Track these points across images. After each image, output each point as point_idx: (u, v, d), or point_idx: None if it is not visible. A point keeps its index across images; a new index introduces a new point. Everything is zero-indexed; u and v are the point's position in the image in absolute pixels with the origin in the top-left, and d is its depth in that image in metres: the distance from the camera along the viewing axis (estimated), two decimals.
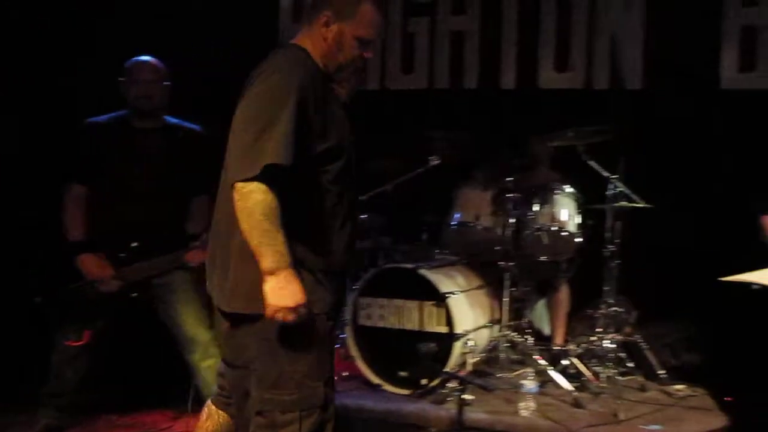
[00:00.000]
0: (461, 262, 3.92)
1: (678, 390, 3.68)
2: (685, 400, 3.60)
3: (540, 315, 4.30)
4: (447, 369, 3.46)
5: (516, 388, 3.50)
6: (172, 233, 3.11)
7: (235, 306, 1.99)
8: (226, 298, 2.01)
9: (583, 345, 3.83)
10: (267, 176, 1.82)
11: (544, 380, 3.65)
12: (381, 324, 3.64)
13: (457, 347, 3.48)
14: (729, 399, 3.53)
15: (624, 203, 3.71)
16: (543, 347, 3.94)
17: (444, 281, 3.59)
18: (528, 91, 4.43)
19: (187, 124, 3.22)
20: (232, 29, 4.73)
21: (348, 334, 3.68)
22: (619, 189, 3.71)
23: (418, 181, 3.85)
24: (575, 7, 4.40)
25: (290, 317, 1.87)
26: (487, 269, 3.90)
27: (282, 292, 1.85)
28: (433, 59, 4.66)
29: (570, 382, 3.63)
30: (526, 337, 3.87)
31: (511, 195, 3.77)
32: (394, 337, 3.60)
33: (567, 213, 3.79)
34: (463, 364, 3.59)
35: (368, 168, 4.07)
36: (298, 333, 1.92)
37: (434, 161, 3.81)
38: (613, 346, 3.73)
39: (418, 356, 3.52)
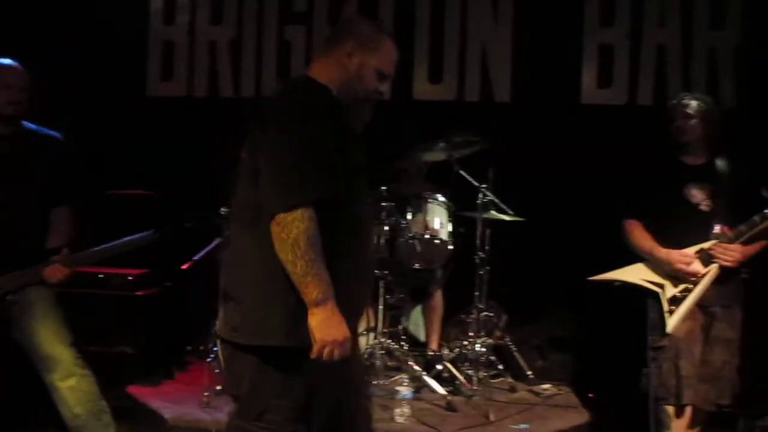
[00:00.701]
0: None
1: (545, 389, 3.85)
2: (552, 398, 3.78)
3: (416, 321, 4.37)
4: None
5: (391, 394, 3.54)
6: (29, 246, 2.91)
7: (241, 337, 1.92)
8: (230, 328, 1.94)
9: (456, 350, 3.94)
10: (308, 206, 1.81)
11: (419, 386, 3.71)
12: None
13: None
14: (592, 395, 3.74)
15: (493, 212, 3.85)
16: (418, 353, 4.00)
17: None
18: (402, 101, 4.51)
19: (46, 131, 3.02)
20: (101, 31, 4.55)
21: (221, 346, 3.58)
22: (488, 198, 3.84)
23: None
24: (447, 19, 4.53)
25: (337, 352, 1.82)
26: None
27: (331, 325, 1.81)
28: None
29: (444, 386, 3.71)
30: (401, 343, 3.92)
31: (385, 204, 3.82)
32: None
33: (439, 221, 3.88)
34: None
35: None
36: (315, 367, 1.85)
37: None
38: (484, 349, 3.86)
39: None
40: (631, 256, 2.96)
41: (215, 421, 3.30)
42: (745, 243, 2.76)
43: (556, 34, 4.37)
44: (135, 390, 3.66)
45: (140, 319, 3.80)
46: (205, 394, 3.47)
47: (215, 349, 3.63)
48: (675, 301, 2.81)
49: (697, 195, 2.84)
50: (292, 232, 1.79)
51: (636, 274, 2.90)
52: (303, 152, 1.84)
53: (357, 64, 2.01)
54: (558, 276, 3.85)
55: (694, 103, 2.88)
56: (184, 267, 3.73)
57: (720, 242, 2.77)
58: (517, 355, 4.03)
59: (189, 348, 4.15)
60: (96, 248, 2.92)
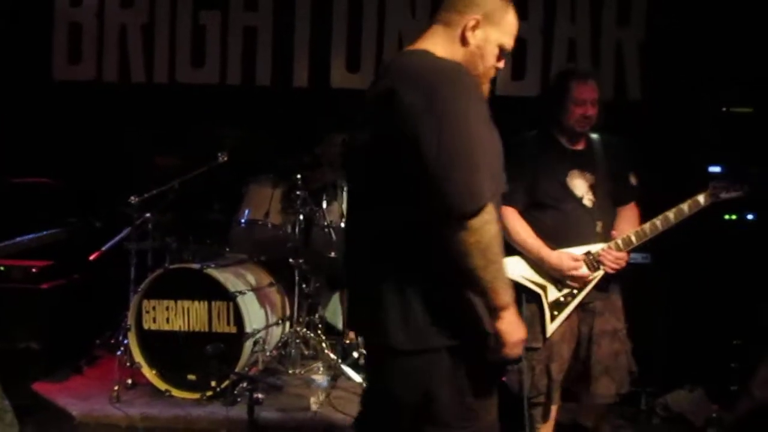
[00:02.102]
0: (251, 261, 3.88)
1: None
2: None
3: (333, 310, 4.37)
4: (237, 369, 3.41)
5: (308, 383, 3.53)
6: None
7: (414, 342, 1.76)
8: (399, 334, 1.76)
9: None
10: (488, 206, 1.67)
11: (336, 374, 3.72)
12: (167, 327, 3.50)
13: (247, 347, 3.44)
14: None
15: None
16: (335, 341, 4.01)
17: (233, 280, 3.52)
18: (320, 89, 4.49)
19: None
20: (3, 10, 4.34)
21: (131, 340, 3.50)
22: None
23: (206, 178, 3.75)
24: (366, 6, 4.53)
25: (519, 351, 1.78)
26: (278, 267, 3.89)
27: (518, 326, 1.77)
28: (225, 54, 4.58)
29: (360, 374, 3.72)
30: (318, 332, 3.92)
31: (300, 192, 3.79)
32: (182, 340, 3.48)
33: None
34: (254, 364, 3.56)
35: (153, 164, 3.93)
36: (489, 365, 1.81)
37: (222, 158, 3.73)
38: None
39: (206, 358, 3.42)
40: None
41: (126, 417, 3.22)
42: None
43: None
44: (40, 387, 3.52)
45: (45, 313, 3.64)
46: (115, 388, 3.37)
47: (125, 342, 3.54)
48: (558, 305, 2.70)
49: (580, 186, 2.69)
50: (485, 236, 1.65)
51: (515, 269, 2.69)
52: (476, 143, 1.66)
53: (481, 38, 1.84)
54: None
55: (594, 86, 2.69)
56: (91, 258, 3.62)
57: (609, 248, 2.67)
58: None
59: (98, 341, 4.03)
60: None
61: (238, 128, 3.93)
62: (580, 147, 2.75)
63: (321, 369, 3.68)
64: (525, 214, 2.70)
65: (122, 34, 4.63)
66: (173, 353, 3.48)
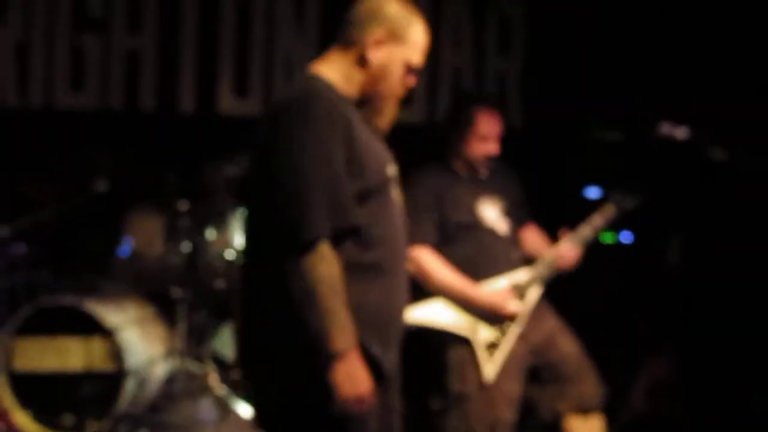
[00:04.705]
0: (133, 293, 3.72)
1: None
2: None
3: (224, 342, 4.24)
4: (118, 409, 3.23)
5: (194, 420, 3.40)
6: None
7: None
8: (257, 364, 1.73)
9: None
10: (324, 240, 1.61)
11: (225, 409, 3.59)
12: (41, 367, 3.28)
13: (129, 384, 3.27)
14: None
15: None
16: (224, 375, 3.88)
17: (112, 314, 3.36)
18: (206, 115, 4.39)
19: None
20: None
21: (0, 382, 3.25)
22: None
23: (83, 207, 3.57)
24: (254, 29, 4.48)
25: (360, 407, 1.64)
26: (162, 299, 3.74)
27: (355, 379, 1.62)
28: (106, 77, 4.40)
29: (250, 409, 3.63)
30: (206, 366, 3.78)
31: (185, 222, 3.68)
32: (58, 381, 3.28)
33: (242, 239, 3.80)
34: (136, 402, 3.39)
35: (24, 193, 3.70)
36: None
37: (101, 186, 3.57)
38: None
39: (84, 399, 3.25)
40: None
41: None
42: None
43: None
44: None
45: None
46: None
47: None
48: (493, 344, 2.55)
49: (491, 214, 2.65)
50: (313, 273, 1.56)
51: (436, 314, 2.56)
52: (308, 179, 1.57)
53: (384, 58, 1.72)
54: None
55: (499, 119, 2.64)
56: None
57: (564, 248, 2.59)
58: None
59: None
60: None
61: (120, 154, 3.78)
62: (484, 175, 2.72)
63: (209, 404, 3.55)
64: (436, 251, 2.57)
65: None
66: (48, 395, 3.27)
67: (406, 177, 2.67)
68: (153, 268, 3.69)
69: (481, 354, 2.57)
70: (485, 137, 2.63)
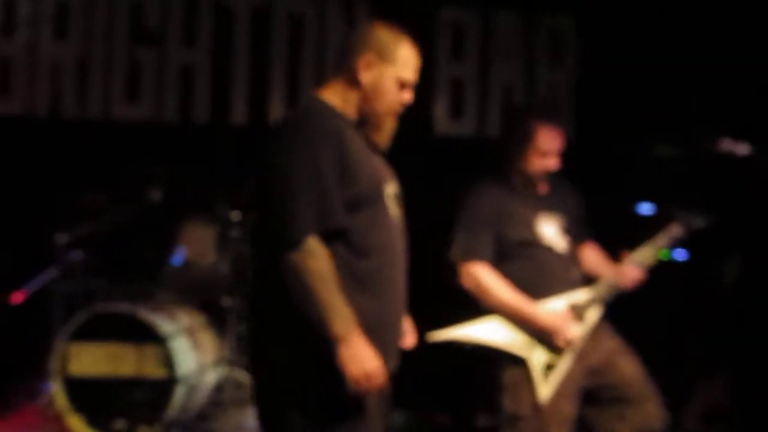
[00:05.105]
0: (185, 302, 3.78)
1: None
2: None
3: None
4: (168, 415, 3.28)
5: (241, 429, 3.42)
6: None
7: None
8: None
9: None
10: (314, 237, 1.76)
11: None
12: (94, 372, 3.35)
13: (179, 391, 3.32)
14: None
15: None
16: None
17: (164, 322, 3.41)
18: (259, 127, 4.45)
19: None
20: None
21: (55, 386, 3.33)
22: None
23: (139, 217, 3.65)
24: (305, 42, 4.53)
25: (369, 383, 1.75)
26: (213, 308, 3.79)
27: (359, 358, 1.73)
28: (161, 90, 4.51)
29: None
30: None
31: (237, 232, 3.72)
32: (110, 386, 3.34)
33: None
34: (186, 409, 3.43)
35: (81, 202, 3.81)
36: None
37: (155, 196, 3.65)
38: None
39: (135, 404, 3.30)
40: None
41: None
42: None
43: None
44: None
45: None
46: None
47: (48, 388, 3.37)
48: (549, 366, 2.49)
49: (551, 231, 2.56)
50: (305, 267, 1.70)
51: (493, 332, 2.50)
52: (299, 183, 1.72)
53: (375, 77, 1.86)
54: None
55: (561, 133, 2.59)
56: (14, 300, 3.46)
57: (618, 272, 2.54)
58: None
59: (17, 388, 3.83)
60: None
61: (174, 166, 3.86)
62: (542, 191, 2.63)
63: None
64: (493, 268, 2.50)
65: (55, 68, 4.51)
66: (100, 400, 3.33)
67: (456, 191, 2.72)
68: (204, 278, 3.74)
69: (537, 375, 2.51)
70: (545, 153, 2.56)
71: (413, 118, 4.51)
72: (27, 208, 4.09)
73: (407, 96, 1.92)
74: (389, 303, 1.85)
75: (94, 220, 3.54)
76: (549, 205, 2.62)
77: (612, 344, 2.64)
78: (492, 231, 2.52)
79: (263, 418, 1.87)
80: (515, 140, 2.60)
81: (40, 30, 4.47)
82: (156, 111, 4.48)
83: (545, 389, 2.50)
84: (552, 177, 2.67)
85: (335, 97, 1.89)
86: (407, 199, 4.30)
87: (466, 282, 2.53)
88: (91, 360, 3.36)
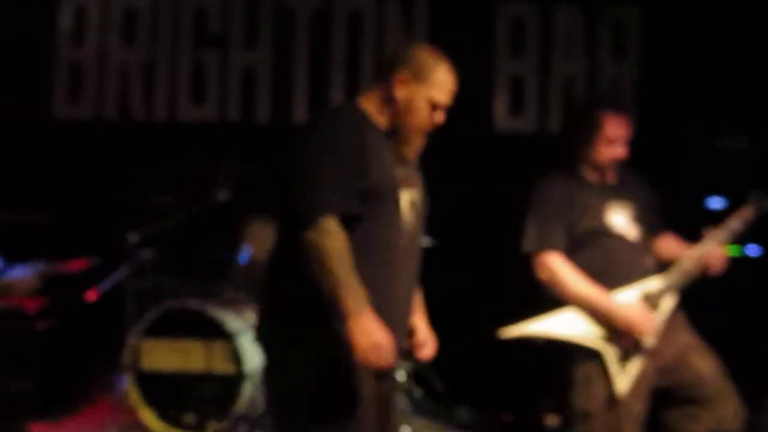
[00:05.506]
0: (252, 300, 3.85)
1: None
2: None
3: None
4: (237, 410, 3.35)
5: None
6: None
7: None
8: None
9: None
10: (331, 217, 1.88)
11: None
12: (165, 367, 3.45)
13: (247, 387, 3.39)
14: None
15: None
16: None
17: (232, 319, 3.49)
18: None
19: None
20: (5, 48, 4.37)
21: (128, 380, 3.45)
22: None
23: (206, 216, 3.74)
24: (364, 43, 4.56)
25: (377, 357, 1.84)
26: None
27: (368, 331, 1.82)
28: (224, 91, 4.60)
29: None
30: None
31: None
32: (180, 381, 3.44)
33: None
34: (254, 404, 3.50)
35: (151, 202, 3.92)
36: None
37: (222, 196, 3.72)
38: None
39: (204, 399, 3.39)
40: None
41: None
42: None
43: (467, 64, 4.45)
44: (35, 429, 3.45)
45: (39, 354, 3.60)
46: (111, 429, 3.32)
47: (121, 382, 3.49)
48: (625, 359, 2.44)
49: (622, 220, 2.52)
50: (320, 244, 1.79)
51: (568, 325, 2.45)
52: (321, 168, 1.83)
53: (408, 95, 1.95)
54: (466, 317, 3.54)
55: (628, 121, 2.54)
56: (89, 297, 3.59)
57: (711, 247, 2.48)
58: None
59: (93, 382, 3.97)
60: None
61: (240, 165, 3.93)
62: (612, 180, 2.59)
63: None
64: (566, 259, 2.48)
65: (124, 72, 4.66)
66: (171, 394, 3.42)
67: (518, 186, 2.71)
68: None
69: (613, 367, 2.45)
70: (613, 141, 2.54)
71: (472, 115, 4.56)
72: (99, 208, 4.23)
73: (439, 117, 1.99)
74: (394, 296, 1.93)
75: (162, 219, 3.63)
76: (618, 194, 2.59)
77: (686, 339, 2.57)
78: (563, 221, 2.50)
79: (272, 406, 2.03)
80: (582, 130, 2.58)
81: (108, 36, 4.64)
82: (220, 112, 4.59)
83: (623, 382, 2.45)
84: (622, 167, 2.64)
85: (371, 105, 1.98)
86: (468, 196, 4.28)
87: (541, 273, 2.51)
88: (162, 355, 3.46)
